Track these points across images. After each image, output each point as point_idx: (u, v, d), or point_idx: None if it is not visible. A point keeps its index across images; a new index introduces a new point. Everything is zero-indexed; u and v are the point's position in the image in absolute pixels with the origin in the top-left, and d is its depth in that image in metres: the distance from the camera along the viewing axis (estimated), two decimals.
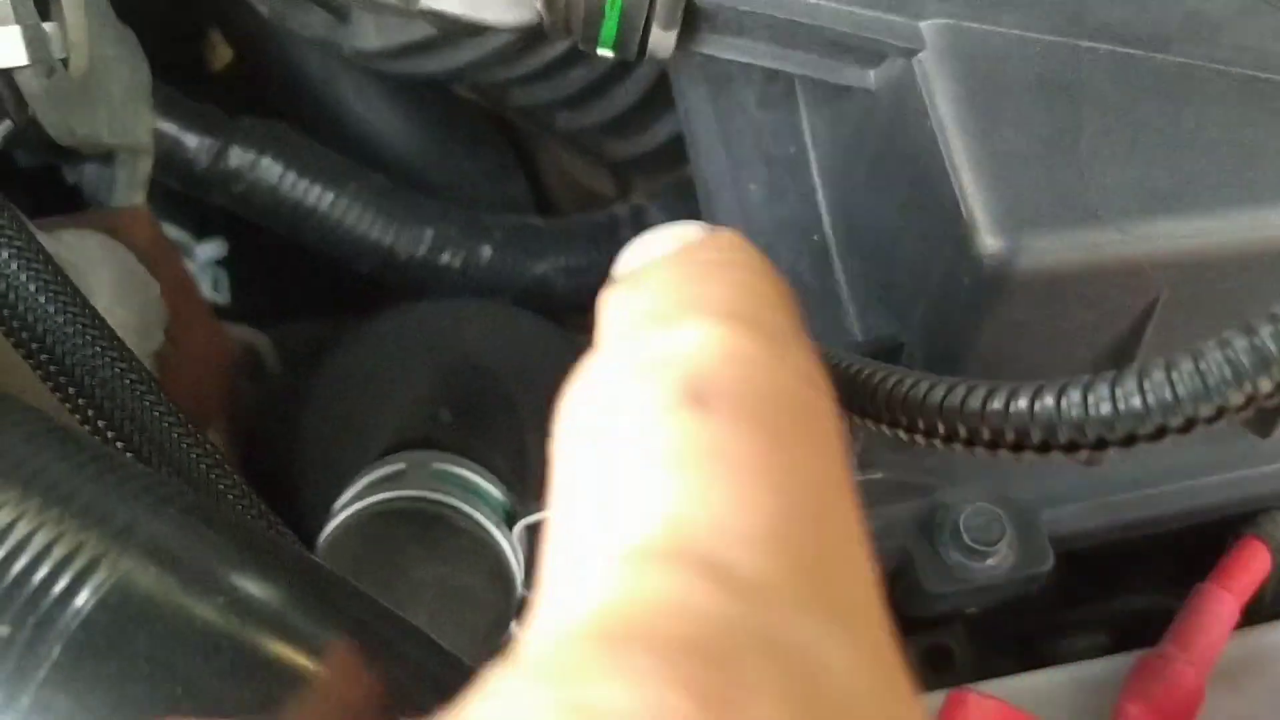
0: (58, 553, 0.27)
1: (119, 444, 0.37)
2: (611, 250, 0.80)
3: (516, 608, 0.52)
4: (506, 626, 0.52)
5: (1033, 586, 0.49)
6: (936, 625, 0.57)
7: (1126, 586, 0.63)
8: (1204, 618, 0.47)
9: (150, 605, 0.27)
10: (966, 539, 0.47)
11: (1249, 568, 0.49)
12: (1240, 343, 0.26)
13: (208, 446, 0.38)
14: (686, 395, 0.21)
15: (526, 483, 0.61)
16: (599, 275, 0.83)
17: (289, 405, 0.67)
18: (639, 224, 0.79)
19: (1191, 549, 0.57)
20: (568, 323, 0.79)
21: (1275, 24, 0.40)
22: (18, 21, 0.44)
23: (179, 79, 0.73)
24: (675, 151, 0.79)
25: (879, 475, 0.45)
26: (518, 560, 0.52)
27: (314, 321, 0.82)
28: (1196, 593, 0.48)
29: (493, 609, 0.50)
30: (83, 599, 0.26)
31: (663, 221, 0.77)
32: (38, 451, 0.29)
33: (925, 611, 0.50)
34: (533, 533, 0.54)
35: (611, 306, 0.25)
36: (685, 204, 0.80)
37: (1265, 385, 0.26)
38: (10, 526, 0.27)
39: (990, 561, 0.47)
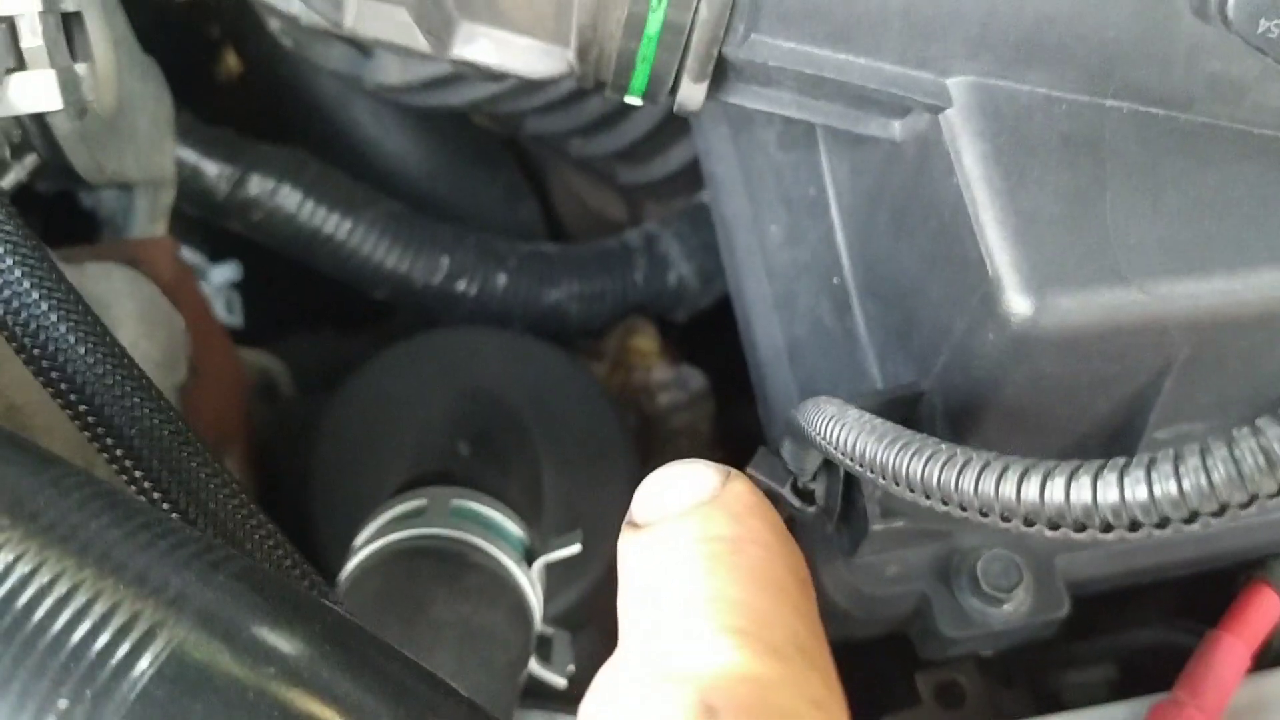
0: (115, 622, 0.27)
1: (156, 494, 0.38)
2: (624, 277, 0.81)
3: (534, 643, 0.53)
4: (526, 662, 0.52)
5: (1049, 631, 0.50)
6: (946, 661, 0.57)
7: (1135, 621, 0.64)
8: (1215, 664, 0.48)
9: (205, 675, 0.27)
10: (984, 585, 0.48)
11: (1260, 613, 0.50)
12: (1274, 430, 0.27)
13: (243, 496, 0.39)
14: (700, 709, 0.24)
15: (541, 514, 0.62)
16: (611, 302, 0.84)
17: (304, 431, 0.68)
18: (651, 250, 0.79)
19: (1200, 585, 0.57)
20: (579, 348, 0.80)
21: None
22: (52, 65, 0.45)
23: (189, 93, 0.73)
24: (688, 178, 0.80)
25: (899, 523, 0.46)
26: (536, 597, 0.53)
27: (326, 341, 0.83)
28: (1208, 639, 0.49)
29: (513, 646, 0.51)
30: (139, 669, 0.26)
31: (676, 249, 0.77)
32: (91, 518, 0.29)
33: (941, 654, 0.50)
34: (549, 568, 0.55)
35: (635, 570, 0.28)
36: (696, 230, 0.81)
37: None
38: (68, 595, 0.27)
39: (1007, 607, 0.48)
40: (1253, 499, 0.27)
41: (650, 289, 0.79)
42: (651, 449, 0.76)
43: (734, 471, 0.30)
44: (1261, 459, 0.27)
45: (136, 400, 0.38)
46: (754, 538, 0.28)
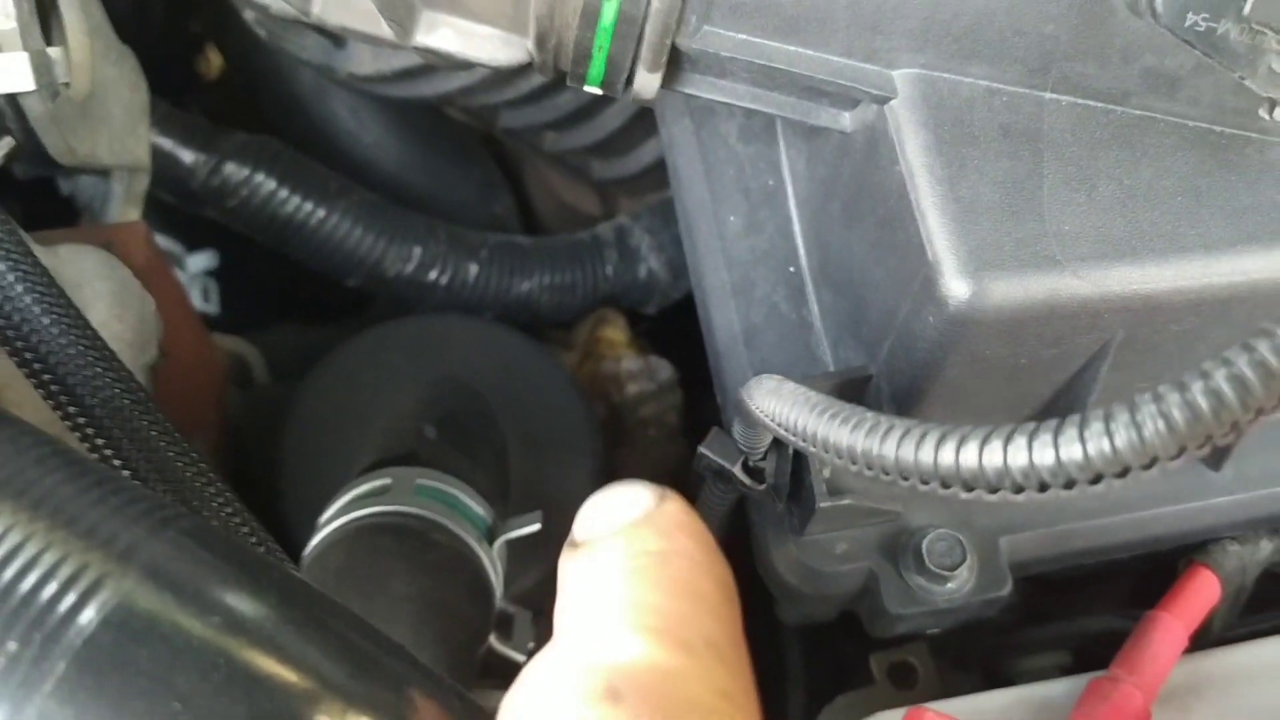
0: (64, 572, 0.28)
1: (116, 461, 0.39)
2: (594, 269, 0.82)
3: (495, 621, 0.54)
4: (485, 639, 0.53)
5: (992, 609, 0.51)
6: (901, 643, 0.59)
7: (1087, 608, 0.65)
8: (1152, 643, 0.49)
9: (151, 624, 0.28)
10: (929, 563, 0.49)
11: (1198, 595, 0.51)
12: (1174, 396, 0.28)
13: (202, 465, 0.40)
14: (605, 692, 0.26)
15: (506, 497, 0.63)
16: (582, 293, 0.85)
17: (276, 415, 0.69)
18: (622, 244, 0.81)
19: (1150, 573, 0.59)
20: (550, 338, 0.81)
21: (1228, 79, 0.42)
22: (25, 47, 0.46)
23: (172, 88, 0.74)
24: (660, 173, 0.81)
25: (846, 501, 0.47)
26: (496, 574, 0.54)
27: (301, 329, 0.84)
28: (1146, 619, 0.50)
29: (472, 622, 0.52)
30: (87, 617, 0.27)
31: (646, 243, 0.78)
32: (46, 474, 0.30)
33: (888, 631, 0.52)
34: (511, 548, 0.56)
35: (569, 583, 0.30)
36: (668, 225, 0.82)
37: (1196, 437, 0.28)
38: (19, 546, 0.28)
39: (951, 585, 0.49)
40: (1153, 462, 0.28)
41: (621, 281, 0.80)
42: (620, 438, 0.78)
43: (669, 491, 0.32)
44: (1161, 424, 0.28)
45: (99, 370, 0.39)
46: (681, 551, 0.30)
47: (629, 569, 0.29)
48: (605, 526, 0.31)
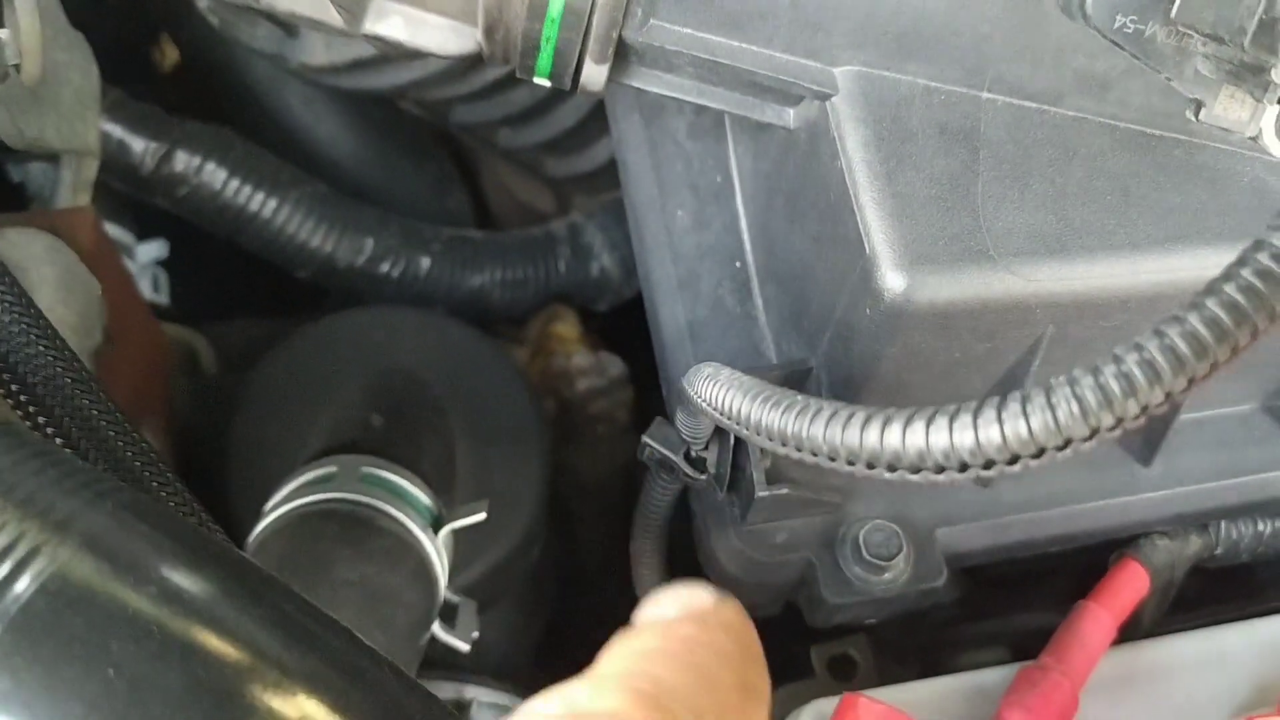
0: (1, 541, 0.28)
1: (58, 439, 0.39)
2: (547, 265, 0.82)
3: (439, 609, 0.55)
4: (428, 626, 0.54)
5: (927, 600, 0.52)
6: (841, 636, 0.60)
7: (1025, 604, 0.66)
8: (1081, 633, 0.50)
9: (86, 593, 0.28)
10: (866, 554, 0.50)
11: (1127, 588, 0.53)
12: (1087, 380, 0.29)
13: (143, 445, 0.40)
14: None
15: (452, 487, 0.64)
16: (534, 289, 0.85)
17: (224, 405, 0.69)
18: (575, 241, 0.81)
19: (1087, 569, 0.60)
20: (502, 333, 0.81)
21: (1158, 82, 0.44)
22: None
23: (127, 79, 0.74)
24: (614, 171, 0.82)
25: (785, 491, 0.48)
26: (441, 563, 0.54)
27: (251, 322, 0.84)
28: (1075, 609, 0.51)
29: (415, 609, 0.52)
30: (23, 585, 0.28)
31: (599, 240, 0.79)
32: None
33: (827, 621, 0.52)
34: (456, 537, 0.56)
35: (602, 653, 0.29)
36: (621, 223, 0.83)
37: (1108, 420, 0.29)
38: None
39: (887, 575, 0.50)
40: (1067, 443, 0.29)
41: (573, 278, 0.81)
42: (570, 434, 0.78)
43: (729, 596, 0.31)
44: (1075, 406, 0.29)
45: (42, 348, 0.39)
46: (712, 643, 0.29)
47: (655, 647, 0.29)
48: (660, 615, 0.31)
